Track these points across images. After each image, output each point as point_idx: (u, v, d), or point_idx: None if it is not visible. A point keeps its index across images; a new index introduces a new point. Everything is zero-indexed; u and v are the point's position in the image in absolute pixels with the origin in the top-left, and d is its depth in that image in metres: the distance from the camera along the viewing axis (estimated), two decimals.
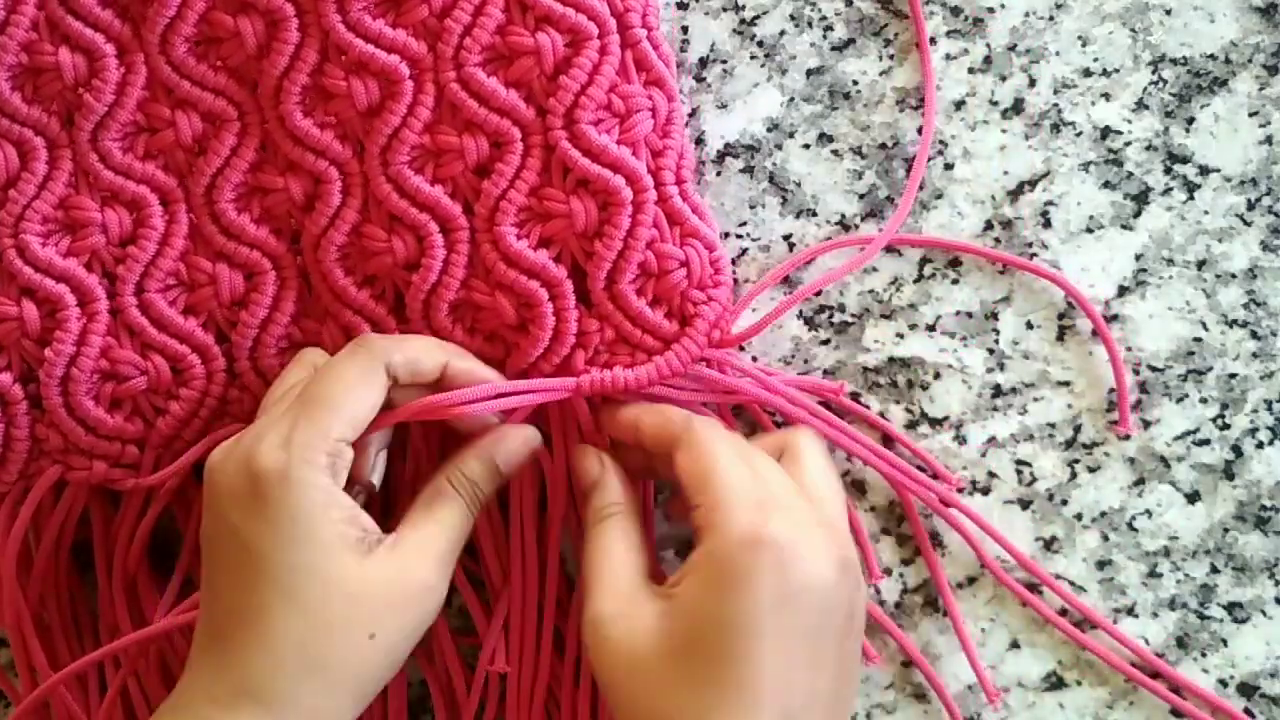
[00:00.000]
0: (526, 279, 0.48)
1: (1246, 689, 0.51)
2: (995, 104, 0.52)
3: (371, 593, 0.42)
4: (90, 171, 0.49)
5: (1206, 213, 0.52)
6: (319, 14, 0.48)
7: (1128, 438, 0.51)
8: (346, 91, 0.48)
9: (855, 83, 0.53)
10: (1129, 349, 0.52)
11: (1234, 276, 0.51)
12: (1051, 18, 0.52)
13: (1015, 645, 0.51)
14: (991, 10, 0.52)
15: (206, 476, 0.44)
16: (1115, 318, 0.52)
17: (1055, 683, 0.51)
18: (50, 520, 0.50)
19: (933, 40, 0.52)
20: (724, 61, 0.53)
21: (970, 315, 0.52)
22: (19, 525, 0.49)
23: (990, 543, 0.51)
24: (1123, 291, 0.52)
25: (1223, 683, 0.51)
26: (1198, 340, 0.51)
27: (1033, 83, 0.52)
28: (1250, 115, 0.52)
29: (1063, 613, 0.51)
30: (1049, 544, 0.51)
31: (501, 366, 0.49)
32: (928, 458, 0.51)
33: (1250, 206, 0.52)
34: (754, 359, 0.52)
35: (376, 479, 0.47)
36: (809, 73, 0.53)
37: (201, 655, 0.43)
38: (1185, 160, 0.52)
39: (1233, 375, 0.51)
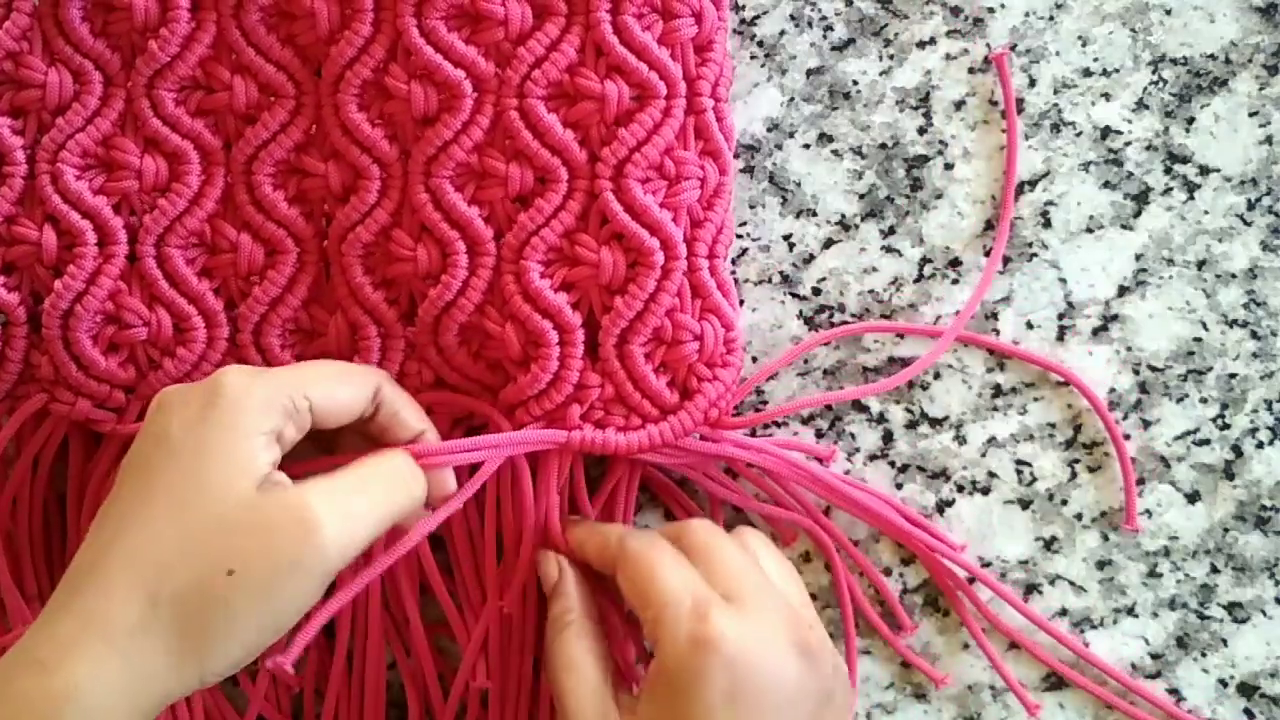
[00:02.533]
0: (540, 318, 0.48)
1: (1246, 689, 0.51)
2: (995, 104, 0.52)
3: (247, 524, 0.40)
4: (139, 116, 0.50)
5: (1206, 213, 0.52)
6: (396, 13, 0.49)
7: (1137, 532, 0.51)
8: (406, 95, 0.49)
9: (855, 83, 0.53)
10: (1129, 349, 0.52)
11: (1234, 276, 0.51)
12: (1051, 18, 0.52)
13: (1015, 646, 0.51)
14: (991, 10, 0.52)
15: (154, 401, 0.42)
16: (1115, 318, 0.52)
17: (1055, 683, 0.51)
18: (29, 445, 0.50)
19: (933, 40, 0.52)
20: None
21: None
22: None
23: (994, 537, 0.51)
24: (1123, 291, 0.52)
25: (1223, 683, 0.51)
26: (1198, 340, 0.51)
27: (1033, 83, 0.52)
28: (1250, 115, 0.52)
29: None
30: (1049, 544, 0.51)
31: (497, 395, 0.49)
32: (928, 525, 0.51)
33: (1250, 206, 0.52)
34: (754, 359, 0.52)
35: None
36: (809, 73, 0.53)
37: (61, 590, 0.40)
38: (1185, 160, 0.52)
39: (1233, 375, 0.51)
